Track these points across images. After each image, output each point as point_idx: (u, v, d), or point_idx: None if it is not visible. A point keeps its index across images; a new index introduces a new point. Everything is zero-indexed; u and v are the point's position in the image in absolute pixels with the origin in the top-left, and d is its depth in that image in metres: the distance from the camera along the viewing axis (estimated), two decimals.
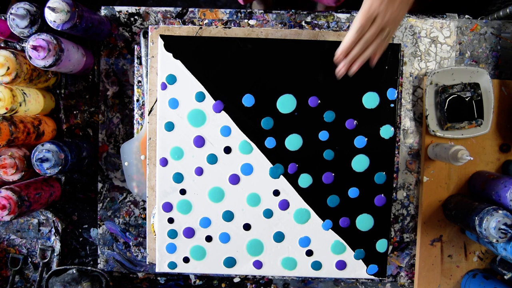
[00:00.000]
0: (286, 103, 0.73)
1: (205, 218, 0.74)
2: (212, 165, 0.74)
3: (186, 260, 0.76)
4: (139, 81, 0.80)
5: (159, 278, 0.87)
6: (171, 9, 0.82)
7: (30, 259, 0.87)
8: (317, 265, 0.76)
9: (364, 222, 0.75)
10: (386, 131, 0.74)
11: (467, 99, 0.80)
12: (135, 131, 0.81)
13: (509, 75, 0.84)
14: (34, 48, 0.67)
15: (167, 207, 0.74)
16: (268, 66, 0.73)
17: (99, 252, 0.86)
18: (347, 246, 0.75)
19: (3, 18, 0.79)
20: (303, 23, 0.80)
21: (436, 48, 0.83)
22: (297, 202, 0.74)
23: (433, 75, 0.80)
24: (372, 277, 0.77)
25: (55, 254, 0.85)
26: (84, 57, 0.77)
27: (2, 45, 0.83)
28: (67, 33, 0.73)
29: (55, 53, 0.68)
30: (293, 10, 0.83)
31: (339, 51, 0.64)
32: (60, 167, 0.73)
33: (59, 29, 0.69)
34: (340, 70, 0.66)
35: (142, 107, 0.80)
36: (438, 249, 0.84)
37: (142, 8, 0.82)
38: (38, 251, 0.85)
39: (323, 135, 0.73)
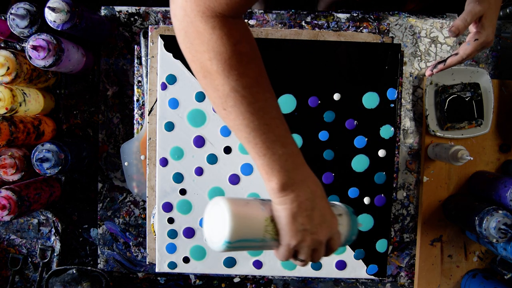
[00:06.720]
0: (286, 103, 0.73)
1: None
2: (212, 165, 0.73)
3: (186, 260, 0.76)
4: (139, 81, 0.80)
5: (159, 278, 0.87)
6: None
7: (30, 259, 0.86)
8: (317, 265, 0.76)
9: (364, 222, 0.75)
10: (386, 131, 0.74)
11: (467, 99, 0.80)
12: (135, 131, 0.81)
13: (509, 75, 0.84)
14: (34, 48, 0.67)
15: (167, 207, 0.74)
16: (268, 66, 0.72)
17: (99, 252, 0.86)
18: (347, 246, 0.75)
19: (3, 18, 0.79)
20: (303, 23, 0.80)
21: (436, 48, 0.83)
22: None
23: (433, 75, 0.80)
24: (372, 277, 0.77)
25: (55, 254, 0.85)
26: (84, 57, 0.77)
27: (2, 45, 0.83)
28: (67, 33, 0.73)
29: (55, 53, 0.68)
30: (293, 10, 0.83)
31: None
32: (60, 167, 0.73)
33: (59, 29, 0.69)
34: None
35: (142, 107, 0.80)
36: (438, 249, 0.84)
37: (142, 8, 0.82)
38: (38, 251, 0.85)
39: (323, 135, 0.73)
